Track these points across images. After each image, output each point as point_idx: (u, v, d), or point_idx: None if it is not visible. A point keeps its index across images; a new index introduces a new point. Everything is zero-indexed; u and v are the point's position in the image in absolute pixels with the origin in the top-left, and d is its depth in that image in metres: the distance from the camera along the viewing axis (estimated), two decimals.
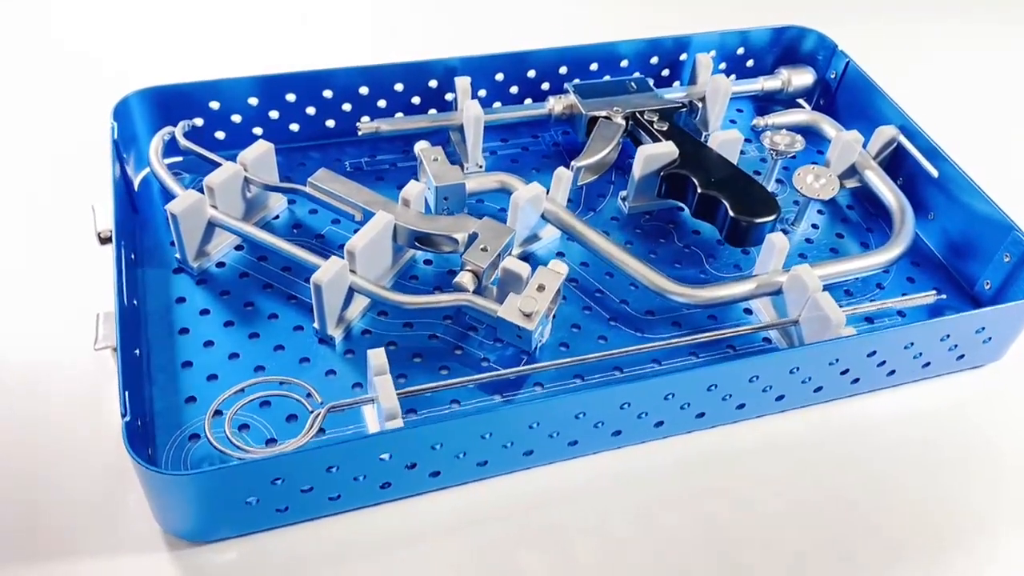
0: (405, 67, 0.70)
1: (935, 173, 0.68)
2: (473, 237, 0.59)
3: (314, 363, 0.56)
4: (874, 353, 0.56)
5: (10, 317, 0.59)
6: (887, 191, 0.69)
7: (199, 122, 0.67)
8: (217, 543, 0.48)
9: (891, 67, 0.83)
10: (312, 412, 0.50)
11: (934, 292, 0.64)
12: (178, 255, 0.60)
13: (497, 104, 0.75)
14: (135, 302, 0.56)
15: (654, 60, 0.77)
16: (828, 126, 0.75)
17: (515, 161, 0.73)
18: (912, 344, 0.57)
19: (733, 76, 0.81)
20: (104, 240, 0.56)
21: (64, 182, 0.67)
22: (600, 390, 0.50)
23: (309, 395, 0.52)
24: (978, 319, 0.58)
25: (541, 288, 0.56)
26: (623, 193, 0.70)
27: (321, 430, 0.52)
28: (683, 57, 0.78)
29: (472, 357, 0.58)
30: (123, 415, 0.45)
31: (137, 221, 0.64)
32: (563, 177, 0.64)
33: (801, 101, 0.80)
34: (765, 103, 0.81)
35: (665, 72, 0.79)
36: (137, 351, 0.54)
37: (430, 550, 0.49)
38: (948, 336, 0.58)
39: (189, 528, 0.48)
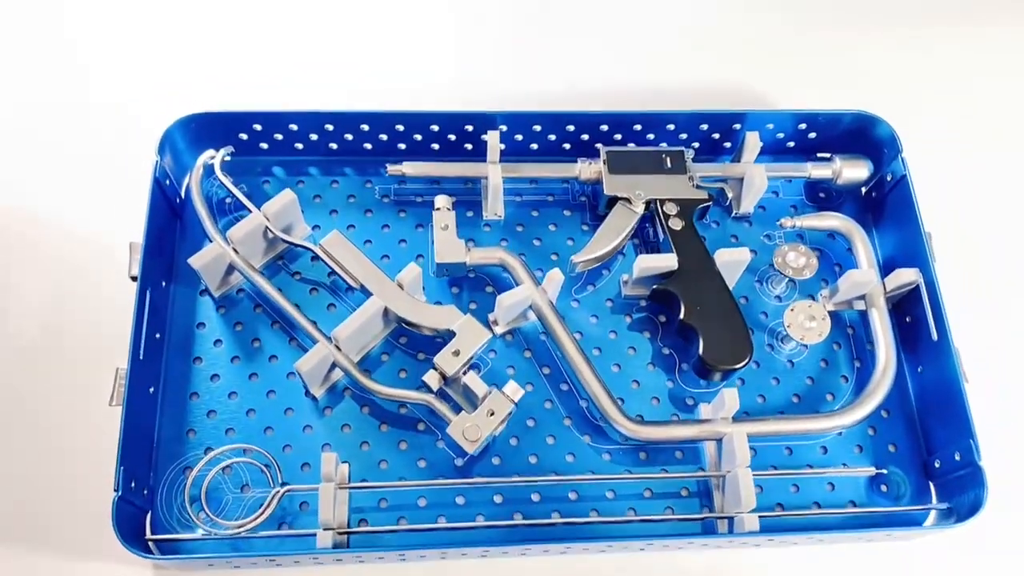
0: (443, 116, 0.71)
1: (935, 336, 0.67)
2: (451, 335, 0.65)
3: (296, 414, 0.66)
4: (771, 540, 0.62)
5: (40, 354, 0.68)
6: (882, 342, 0.69)
7: (245, 137, 0.72)
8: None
9: (967, 171, 0.79)
10: (272, 490, 0.61)
11: (874, 469, 0.66)
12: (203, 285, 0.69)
13: (534, 145, 0.75)
14: (158, 335, 0.66)
15: (703, 127, 0.75)
16: (858, 241, 0.72)
17: (536, 211, 0.75)
18: (812, 536, 0.62)
19: (791, 144, 0.77)
20: (136, 279, 0.65)
21: (110, 208, 0.74)
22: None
23: (268, 465, 0.63)
24: (880, 535, 0.61)
25: (491, 413, 0.62)
26: (625, 276, 0.72)
27: (284, 483, 0.63)
28: (736, 127, 0.75)
29: (431, 436, 0.66)
30: (115, 489, 0.57)
31: (179, 228, 0.72)
32: (555, 278, 0.67)
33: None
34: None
35: (716, 135, 0.76)
36: (152, 389, 0.64)
37: None
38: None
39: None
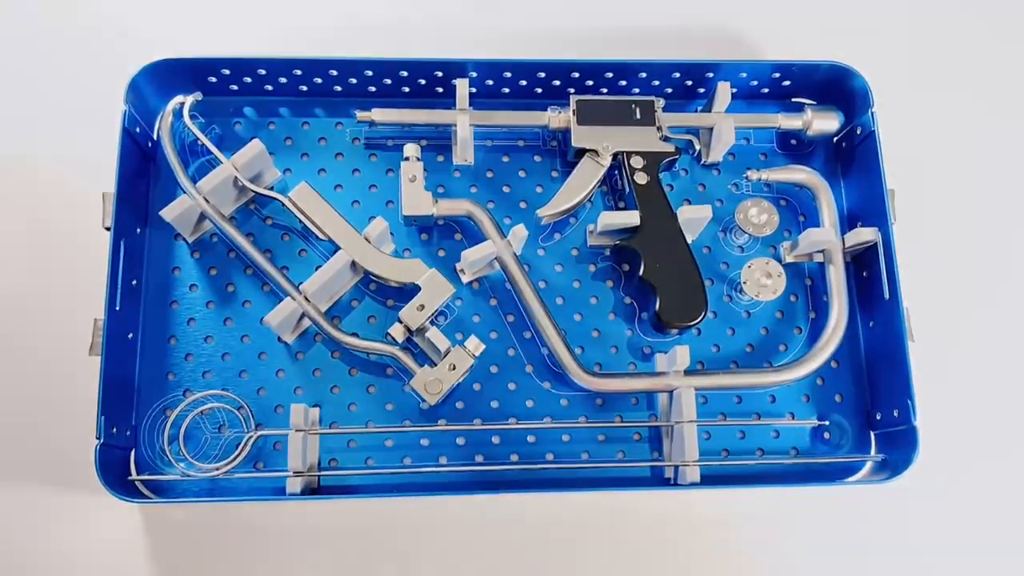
0: (413, 63, 0.71)
1: (887, 295, 0.69)
2: (416, 289, 0.67)
3: (270, 359, 0.69)
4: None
5: (17, 302, 0.71)
6: (836, 301, 0.71)
7: (214, 80, 0.72)
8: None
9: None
10: (246, 434, 0.65)
11: (816, 421, 0.70)
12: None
13: (506, 89, 0.75)
14: (135, 282, 0.68)
15: (676, 75, 0.74)
16: (823, 196, 0.73)
17: (506, 156, 0.76)
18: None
19: (766, 91, 0.77)
20: (110, 230, 0.66)
21: (83, 158, 0.73)
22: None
23: (240, 408, 0.67)
24: (809, 492, 0.66)
25: (452, 367, 0.65)
26: (591, 226, 0.73)
27: (258, 424, 0.67)
28: (710, 75, 0.74)
29: (398, 380, 0.70)
30: (97, 437, 0.61)
31: (153, 170, 0.73)
32: (519, 234, 0.68)
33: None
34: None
35: (689, 82, 0.75)
36: (131, 335, 0.67)
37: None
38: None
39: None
